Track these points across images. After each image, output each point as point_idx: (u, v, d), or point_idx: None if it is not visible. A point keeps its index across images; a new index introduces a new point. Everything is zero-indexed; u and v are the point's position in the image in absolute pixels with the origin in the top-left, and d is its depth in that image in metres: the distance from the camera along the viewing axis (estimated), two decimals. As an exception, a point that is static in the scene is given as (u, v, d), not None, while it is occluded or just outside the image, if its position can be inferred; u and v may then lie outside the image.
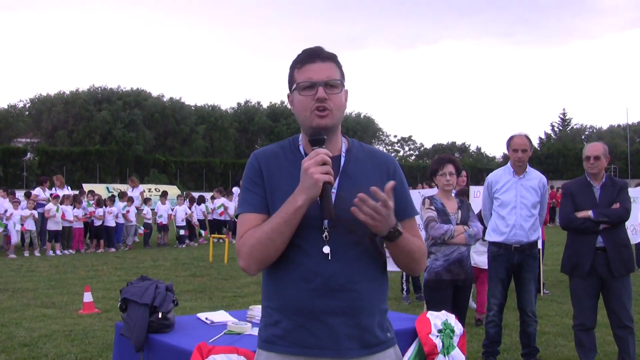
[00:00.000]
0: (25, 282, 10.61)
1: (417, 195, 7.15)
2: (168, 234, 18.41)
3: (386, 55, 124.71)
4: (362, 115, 70.30)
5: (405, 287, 9.08)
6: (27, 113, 54.34)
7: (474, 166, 59.36)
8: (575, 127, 73.73)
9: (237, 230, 2.15)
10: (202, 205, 19.46)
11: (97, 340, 6.53)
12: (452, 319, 3.96)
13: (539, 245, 7.01)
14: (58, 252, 15.25)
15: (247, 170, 2.16)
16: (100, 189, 27.51)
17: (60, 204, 15.36)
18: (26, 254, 14.84)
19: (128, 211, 17.14)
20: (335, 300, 2.01)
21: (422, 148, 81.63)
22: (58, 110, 51.16)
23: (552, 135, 71.63)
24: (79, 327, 7.18)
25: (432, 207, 5.07)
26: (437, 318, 3.90)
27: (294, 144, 2.19)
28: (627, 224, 5.80)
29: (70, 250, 15.71)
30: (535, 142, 67.20)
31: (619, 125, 72.87)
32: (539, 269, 6.51)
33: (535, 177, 5.70)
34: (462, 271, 5.05)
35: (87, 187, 26.79)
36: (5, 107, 53.18)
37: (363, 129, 67.83)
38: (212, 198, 20.14)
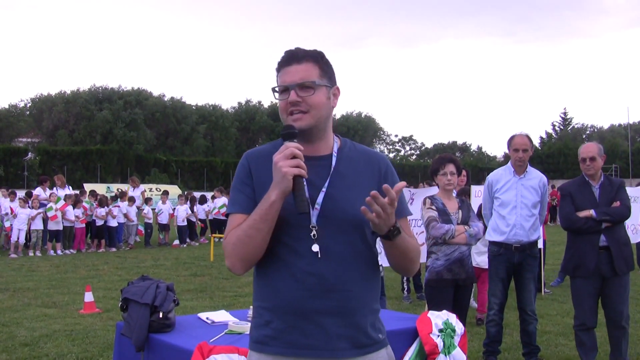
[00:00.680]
0: (26, 282, 10.62)
1: (407, 194, 7.14)
2: (169, 234, 18.43)
3: (387, 55, 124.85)
4: (363, 115, 70.44)
5: (406, 286, 9.07)
6: (28, 113, 54.41)
7: (475, 165, 59.34)
8: (576, 127, 73.81)
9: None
10: (205, 205, 19.48)
11: (97, 340, 6.54)
12: (453, 319, 3.97)
13: (540, 245, 7.01)
14: (59, 251, 15.27)
15: (238, 170, 2.18)
16: (101, 189, 27.56)
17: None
18: (31, 253, 14.87)
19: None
20: (327, 300, 2.00)
21: (423, 147, 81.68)
22: (59, 110, 51.20)
23: (553, 134, 71.65)
24: (79, 326, 7.18)
25: (433, 207, 5.06)
26: (438, 317, 3.90)
27: None
28: (627, 223, 5.81)
29: (71, 250, 15.73)
30: (536, 142, 67.23)
31: (620, 125, 72.94)
32: (539, 268, 6.51)
33: (535, 176, 5.69)
34: (463, 270, 5.04)
35: (88, 186, 26.85)
36: (6, 106, 53.34)
37: (364, 129, 67.91)
38: (213, 197, 20.17)
